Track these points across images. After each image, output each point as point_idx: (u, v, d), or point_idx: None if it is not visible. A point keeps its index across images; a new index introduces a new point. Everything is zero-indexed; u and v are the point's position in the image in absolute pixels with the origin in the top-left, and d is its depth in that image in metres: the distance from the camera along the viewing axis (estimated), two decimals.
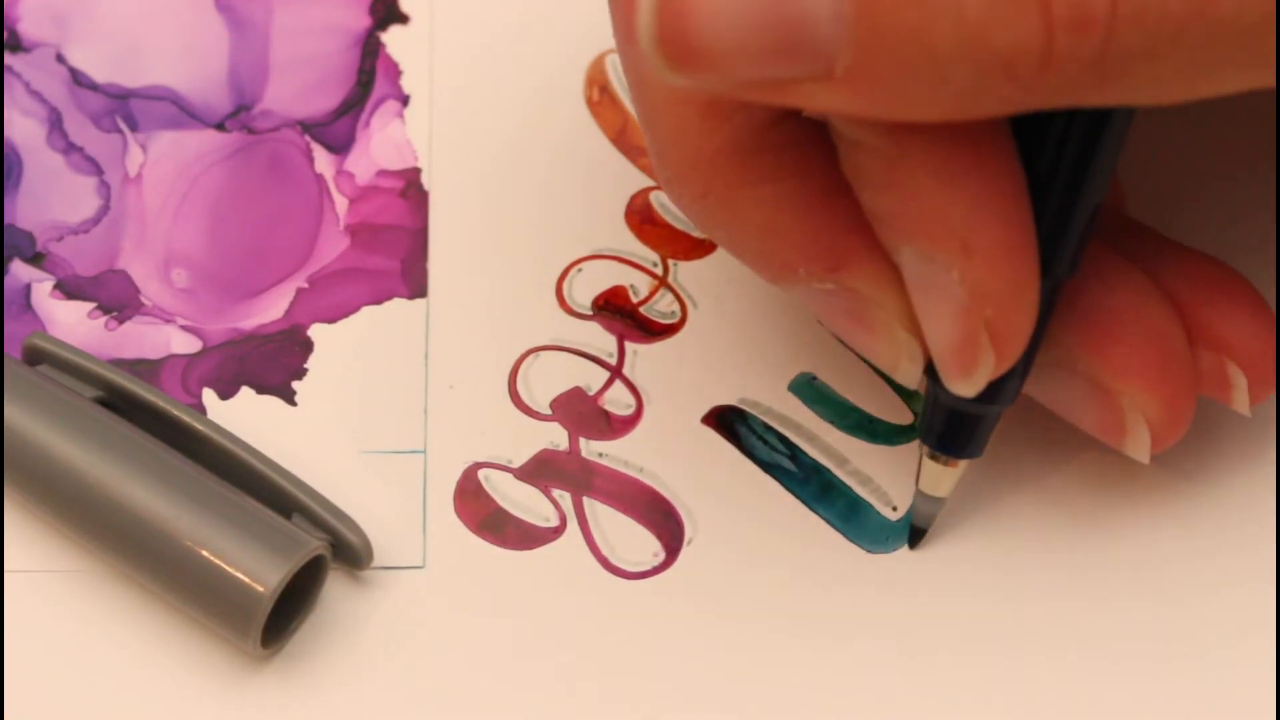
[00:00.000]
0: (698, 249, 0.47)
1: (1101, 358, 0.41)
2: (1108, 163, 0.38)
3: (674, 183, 0.40)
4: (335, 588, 0.43)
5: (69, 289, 0.47)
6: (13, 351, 0.45)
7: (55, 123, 0.48)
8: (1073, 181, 0.38)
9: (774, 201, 0.39)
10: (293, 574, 0.41)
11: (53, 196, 0.48)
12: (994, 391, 0.40)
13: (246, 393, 0.45)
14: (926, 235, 0.37)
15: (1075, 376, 0.41)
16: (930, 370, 0.40)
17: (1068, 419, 0.42)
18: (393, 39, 0.49)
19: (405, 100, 0.49)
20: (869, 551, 0.43)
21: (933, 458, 0.42)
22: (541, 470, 0.44)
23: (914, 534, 0.43)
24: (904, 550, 0.43)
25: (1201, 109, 0.37)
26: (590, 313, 0.46)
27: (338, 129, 0.48)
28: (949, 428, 0.41)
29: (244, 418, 0.45)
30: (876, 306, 0.40)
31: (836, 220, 0.39)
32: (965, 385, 0.39)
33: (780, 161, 0.39)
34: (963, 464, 0.42)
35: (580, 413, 0.45)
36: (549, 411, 0.45)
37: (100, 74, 0.49)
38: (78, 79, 0.49)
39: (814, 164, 0.39)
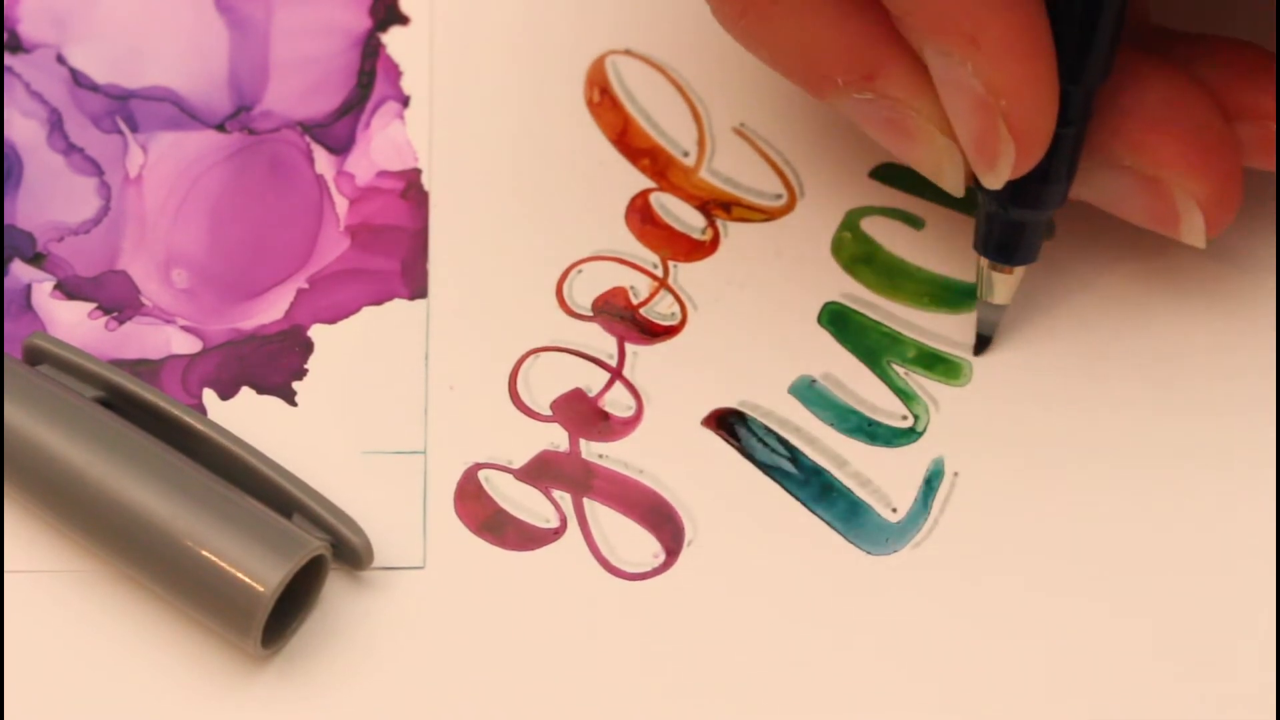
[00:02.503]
0: (698, 251, 0.47)
1: (1146, 151, 0.42)
2: None
3: (717, 8, 0.42)
4: (335, 588, 0.43)
5: (69, 289, 0.47)
6: (13, 352, 0.45)
7: (56, 123, 0.48)
8: None
9: (807, 13, 0.41)
10: (293, 574, 0.41)
11: (53, 197, 0.48)
12: (1038, 197, 0.43)
13: (247, 393, 0.45)
14: (939, 30, 0.40)
15: (1124, 173, 0.43)
16: (978, 181, 0.42)
17: (1120, 215, 0.44)
18: (393, 40, 0.49)
19: (405, 101, 0.49)
20: (869, 553, 0.43)
21: (992, 268, 0.44)
22: (542, 471, 0.44)
23: (980, 342, 0.46)
24: (904, 552, 0.43)
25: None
26: (590, 314, 0.46)
27: (338, 130, 0.48)
28: (1002, 237, 0.44)
29: (244, 418, 0.45)
30: (913, 112, 0.42)
31: (869, 29, 0.41)
32: (992, 178, 0.42)
33: None
34: (1020, 271, 0.44)
35: (580, 414, 0.45)
36: (549, 412, 0.45)
37: (100, 75, 0.49)
38: (78, 80, 0.49)
39: None
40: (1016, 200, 0.43)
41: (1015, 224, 0.43)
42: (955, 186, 0.43)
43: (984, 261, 0.44)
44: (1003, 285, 0.45)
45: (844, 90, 0.42)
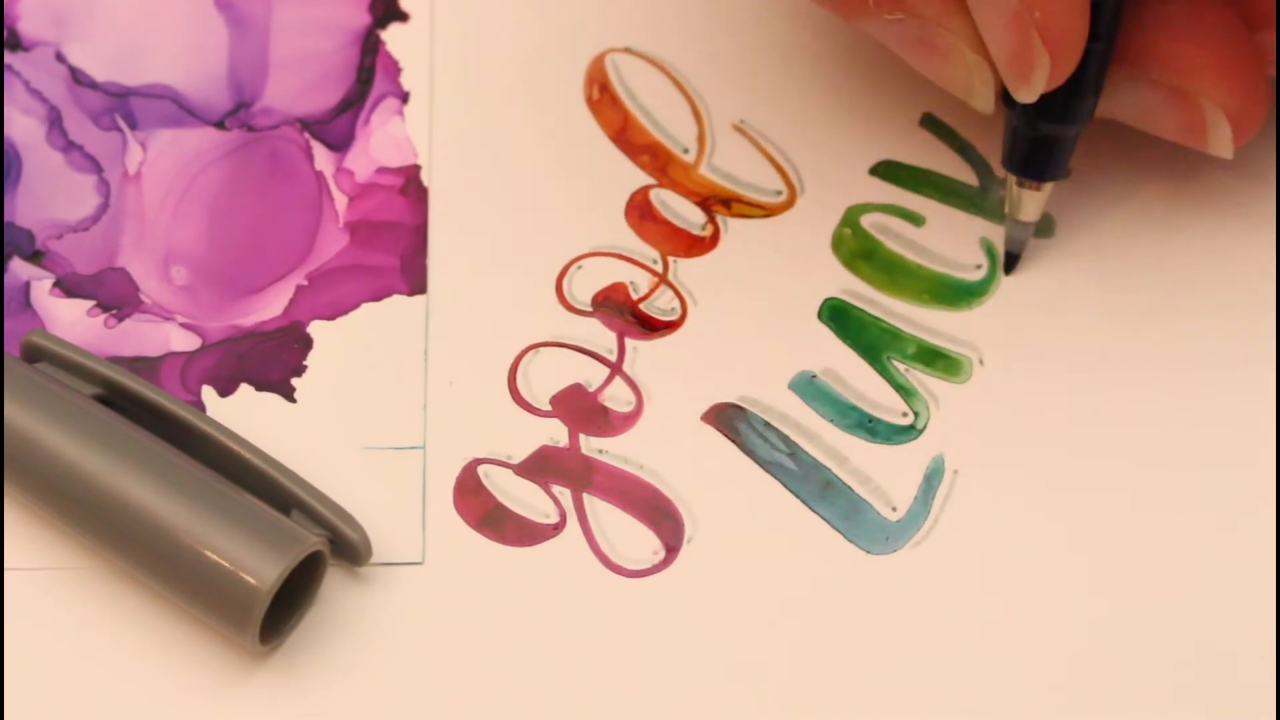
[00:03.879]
0: (698, 246, 0.47)
1: (1172, 62, 0.43)
2: None
3: None
4: (334, 584, 0.43)
5: (68, 287, 0.46)
6: (12, 349, 0.45)
7: (55, 121, 0.48)
8: None
9: None
10: (290, 569, 0.41)
11: (52, 194, 0.48)
12: (1065, 110, 0.43)
13: (246, 390, 0.45)
14: None
15: (1150, 86, 0.44)
16: (1007, 99, 0.43)
17: (1148, 129, 0.45)
18: (392, 36, 0.49)
19: (405, 97, 0.49)
20: (868, 552, 0.43)
21: (1020, 184, 0.45)
22: (541, 466, 0.44)
23: (1009, 260, 0.46)
24: (904, 550, 0.43)
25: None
26: (590, 309, 0.46)
27: (337, 126, 0.48)
28: (1031, 152, 0.44)
29: (243, 415, 0.45)
30: (944, 30, 0.43)
31: None
32: (1026, 91, 0.42)
33: None
34: (1048, 187, 0.45)
35: (580, 409, 0.45)
36: (549, 408, 0.45)
37: (100, 72, 0.49)
38: (77, 77, 0.49)
39: None
40: (1047, 114, 0.43)
41: (1044, 139, 0.44)
42: (986, 104, 0.44)
43: (1012, 179, 0.45)
44: (1031, 202, 0.45)
45: (874, 11, 0.43)
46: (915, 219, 0.47)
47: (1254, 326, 0.46)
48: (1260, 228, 0.47)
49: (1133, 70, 0.44)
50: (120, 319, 0.46)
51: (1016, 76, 0.42)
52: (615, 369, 0.45)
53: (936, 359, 0.45)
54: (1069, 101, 0.43)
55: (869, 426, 0.45)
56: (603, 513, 0.44)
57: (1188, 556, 0.43)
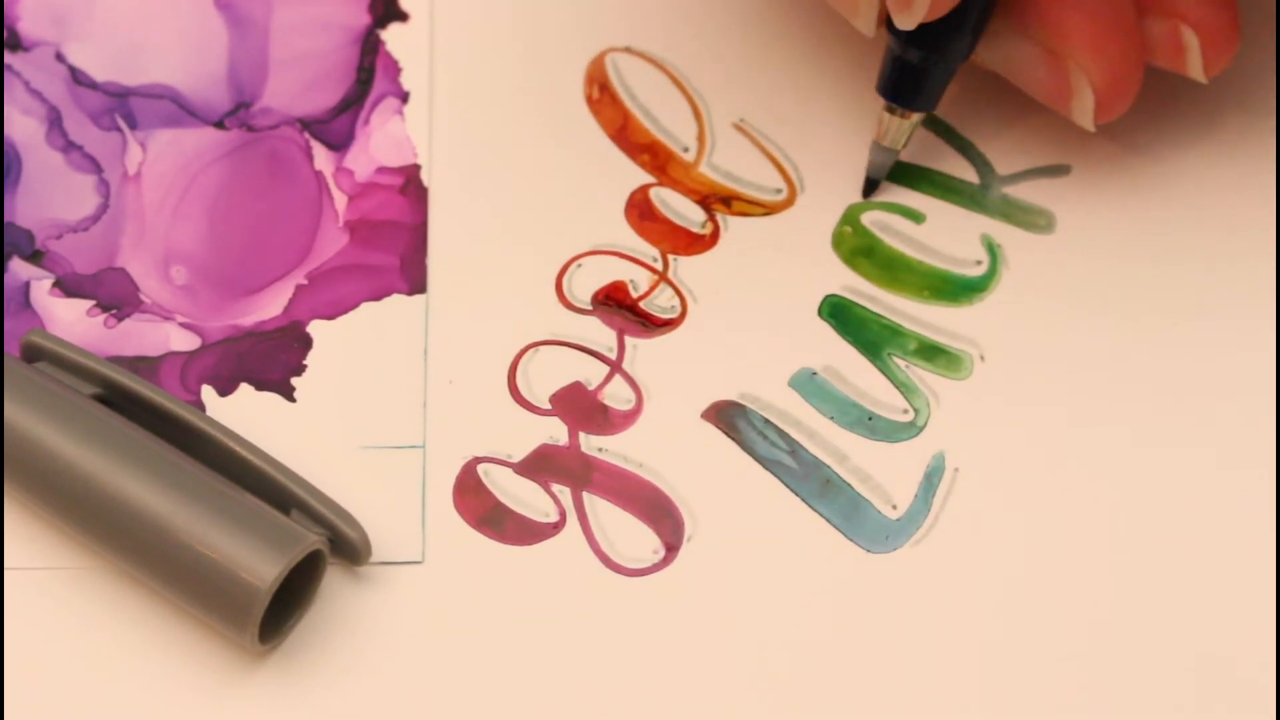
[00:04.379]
0: (697, 244, 0.47)
1: (1051, 25, 0.45)
2: None
3: None
4: (334, 583, 0.43)
5: (68, 286, 0.46)
6: (11, 349, 0.45)
7: (55, 121, 0.48)
8: None
9: None
10: (290, 569, 0.41)
11: (52, 194, 0.48)
12: (943, 44, 0.45)
13: (245, 389, 0.45)
14: None
15: (1027, 43, 0.45)
16: (889, 26, 0.45)
17: (1020, 85, 0.46)
18: (392, 36, 0.49)
19: (405, 97, 0.49)
20: (868, 551, 0.43)
21: (889, 110, 0.46)
22: (541, 465, 0.44)
23: (868, 185, 0.47)
24: (904, 549, 0.43)
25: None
26: (590, 308, 0.46)
27: (337, 126, 0.48)
28: (904, 79, 0.45)
29: (243, 414, 0.45)
30: None
31: None
32: (907, 17, 0.43)
33: None
34: (915, 117, 0.46)
35: (580, 407, 0.45)
36: (549, 406, 0.45)
37: (99, 72, 0.49)
38: (77, 77, 0.49)
39: None
40: (922, 43, 0.45)
41: (919, 69, 0.45)
42: (868, 26, 0.45)
43: (882, 104, 0.46)
44: (897, 129, 0.46)
45: None
46: (915, 216, 0.47)
47: (1254, 325, 0.46)
48: (1261, 227, 0.47)
49: (1016, 24, 0.45)
50: (120, 319, 0.46)
51: (900, 2, 0.43)
52: (615, 367, 0.45)
53: (937, 355, 0.45)
54: (949, 35, 0.44)
55: (869, 424, 0.45)
56: (603, 511, 0.44)
57: (1189, 555, 0.43)
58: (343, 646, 0.42)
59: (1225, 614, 0.42)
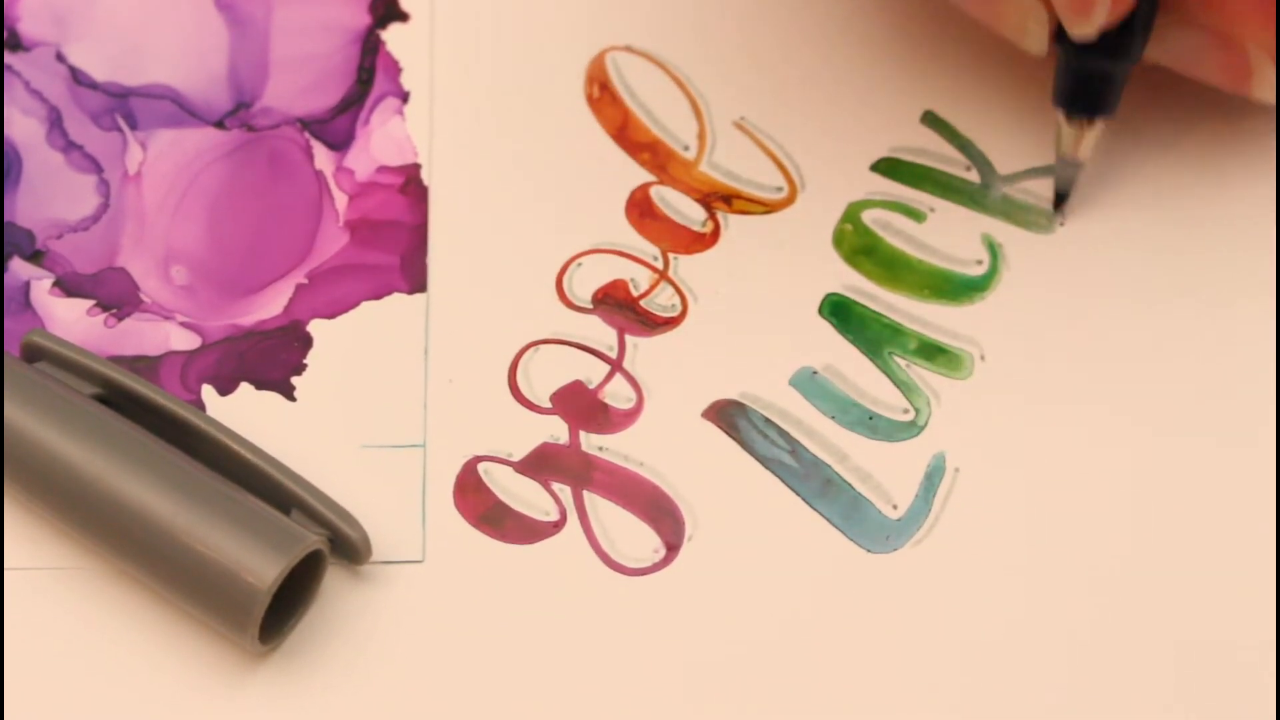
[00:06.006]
0: (698, 243, 0.47)
1: (1221, 8, 0.44)
2: None
3: None
4: (334, 583, 0.43)
5: (68, 286, 0.46)
6: (12, 349, 0.45)
7: (55, 121, 0.48)
8: None
9: None
10: (290, 569, 0.41)
11: (52, 194, 0.48)
12: (1119, 46, 0.44)
13: (246, 389, 0.45)
14: None
15: (1197, 31, 0.45)
16: (1059, 37, 0.44)
17: (1193, 75, 0.46)
18: (392, 36, 0.49)
19: (405, 97, 0.49)
20: (869, 551, 0.43)
21: (1070, 121, 0.46)
22: (541, 464, 0.44)
23: (1058, 199, 0.47)
24: (904, 550, 0.43)
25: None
26: (590, 306, 0.46)
27: (337, 126, 0.48)
28: (1082, 88, 0.45)
29: (243, 414, 0.45)
30: None
31: None
32: (1085, 25, 0.43)
33: None
34: (1099, 124, 0.46)
35: (580, 406, 0.45)
36: (549, 405, 0.45)
37: (100, 72, 0.49)
38: (77, 78, 0.49)
39: None
40: (1100, 50, 0.44)
41: (1099, 75, 0.45)
42: (1040, 44, 0.45)
43: (1061, 118, 0.46)
44: (1081, 139, 0.46)
45: None
46: (916, 215, 0.47)
47: (1256, 325, 0.46)
48: (1261, 227, 0.47)
49: (1180, 15, 0.44)
50: (120, 318, 0.46)
51: (1076, 11, 0.43)
52: (615, 366, 0.45)
53: (938, 354, 0.45)
54: (1122, 38, 0.44)
55: (870, 423, 0.45)
56: (603, 510, 0.44)
57: (1189, 554, 0.43)
58: (343, 646, 0.42)
59: (1226, 614, 0.42)
